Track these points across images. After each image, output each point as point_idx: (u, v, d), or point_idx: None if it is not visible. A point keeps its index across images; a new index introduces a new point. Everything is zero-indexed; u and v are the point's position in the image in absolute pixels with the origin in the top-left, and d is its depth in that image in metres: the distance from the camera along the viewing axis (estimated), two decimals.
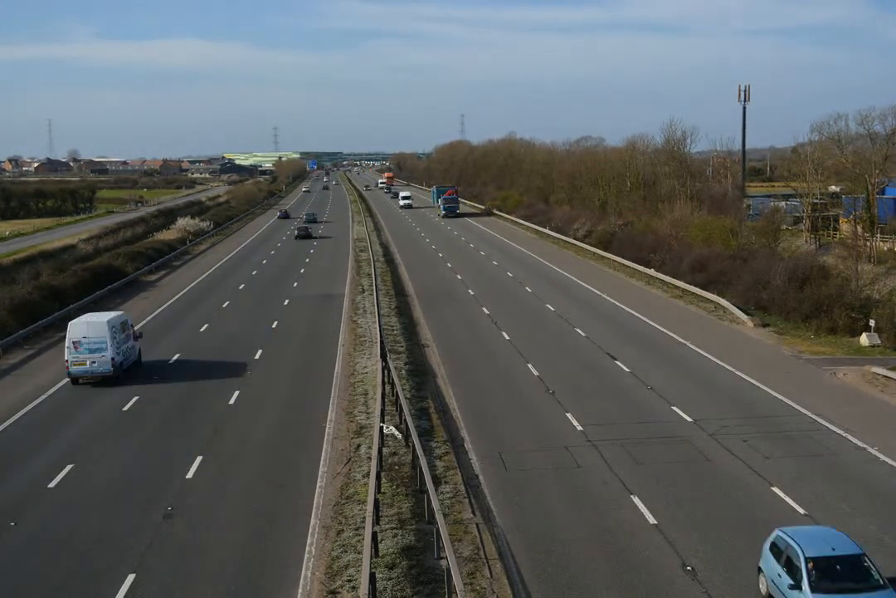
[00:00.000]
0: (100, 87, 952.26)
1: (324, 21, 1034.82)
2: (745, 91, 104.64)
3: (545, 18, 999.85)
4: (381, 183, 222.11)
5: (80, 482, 25.91)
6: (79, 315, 51.83)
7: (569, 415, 30.94)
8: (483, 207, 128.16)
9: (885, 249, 70.42)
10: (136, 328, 41.67)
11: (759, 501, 23.55)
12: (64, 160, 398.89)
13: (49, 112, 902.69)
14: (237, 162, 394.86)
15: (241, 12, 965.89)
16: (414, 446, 25.86)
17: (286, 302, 56.52)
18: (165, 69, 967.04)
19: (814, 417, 30.40)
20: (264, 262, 78.56)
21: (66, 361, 36.33)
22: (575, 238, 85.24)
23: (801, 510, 22.71)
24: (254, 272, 71.26)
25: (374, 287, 57.48)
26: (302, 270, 71.70)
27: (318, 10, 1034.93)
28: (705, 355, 39.76)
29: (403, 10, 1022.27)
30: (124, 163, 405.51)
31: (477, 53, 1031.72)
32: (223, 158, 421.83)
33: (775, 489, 24.09)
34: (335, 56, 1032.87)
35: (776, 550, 18.54)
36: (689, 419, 30.30)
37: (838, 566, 17.67)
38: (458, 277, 65.89)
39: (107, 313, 41.70)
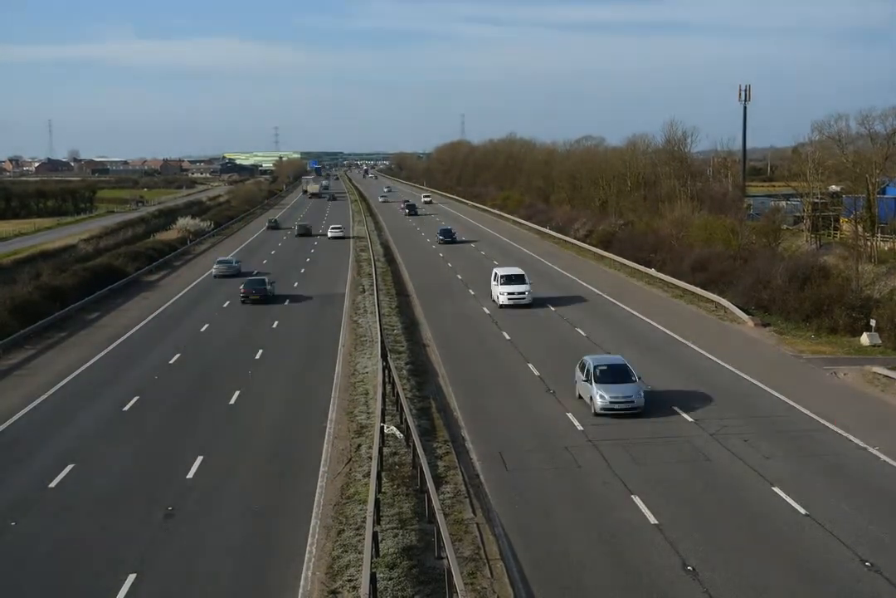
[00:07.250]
0: (99, 88, 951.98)
1: (346, 22, 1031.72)
2: (745, 91, 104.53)
3: (544, 18, 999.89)
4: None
5: (80, 482, 25.90)
6: (79, 315, 52.39)
7: (569, 415, 30.94)
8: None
9: (886, 248, 70.37)
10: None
11: (759, 501, 23.54)
12: (64, 160, 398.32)
13: (49, 112, 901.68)
14: (237, 162, 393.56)
15: (242, 11, 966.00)
16: (415, 445, 25.84)
17: (286, 302, 56.55)
18: (165, 70, 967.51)
19: (814, 416, 30.40)
20: (265, 262, 78.52)
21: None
22: (575, 238, 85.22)
23: (802, 510, 22.70)
24: (254, 272, 71.20)
25: (374, 287, 57.48)
26: (302, 270, 71.71)
27: (343, 11, 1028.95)
28: (706, 354, 39.75)
29: (405, 11, 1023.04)
30: (125, 163, 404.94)
31: (476, 54, 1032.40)
32: (223, 157, 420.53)
33: (776, 489, 24.08)
34: (337, 57, 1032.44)
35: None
36: (689, 419, 30.30)
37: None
38: (459, 276, 65.88)
39: None
